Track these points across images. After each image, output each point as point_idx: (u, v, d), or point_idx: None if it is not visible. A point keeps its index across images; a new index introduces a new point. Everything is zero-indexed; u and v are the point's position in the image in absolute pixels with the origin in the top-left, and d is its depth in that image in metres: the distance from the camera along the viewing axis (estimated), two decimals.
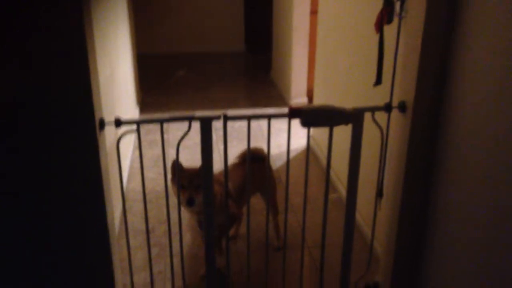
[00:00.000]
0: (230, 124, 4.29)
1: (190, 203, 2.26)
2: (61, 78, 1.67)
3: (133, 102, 4.32)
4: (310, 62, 4.69)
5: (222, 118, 1.93)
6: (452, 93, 1.85)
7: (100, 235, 1.90)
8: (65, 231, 1.86)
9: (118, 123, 1.86)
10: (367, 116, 2.03)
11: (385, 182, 2.23)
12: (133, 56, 4.47)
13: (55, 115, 1.71)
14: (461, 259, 1.83)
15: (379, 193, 2.24)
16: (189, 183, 2.26)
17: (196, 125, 1.94)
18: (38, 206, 1.80)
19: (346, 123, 2.02)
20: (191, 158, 3.66)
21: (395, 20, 2.18)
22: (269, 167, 2.44)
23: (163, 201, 3.13)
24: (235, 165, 2.66)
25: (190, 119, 1.91)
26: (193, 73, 5.97)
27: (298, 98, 4.80)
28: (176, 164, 2.09)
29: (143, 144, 3.98)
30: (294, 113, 1.95)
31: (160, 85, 5.48)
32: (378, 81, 2.21)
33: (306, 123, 1.97)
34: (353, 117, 2.01)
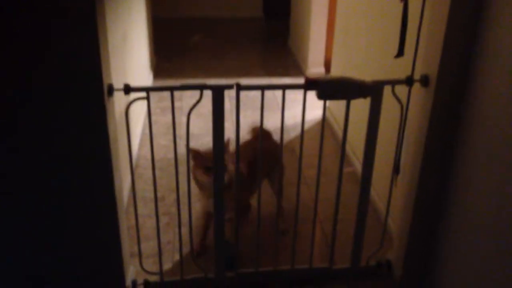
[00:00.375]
0: (244, 93, 4.21)
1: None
2: (67, 41, 1.60)
3: (147, 67, 4.25)
4: (328, 31, 4.55)
5: (235, 87, 1.85)
6: (479, 67, 1.75)
7: (107, 204, 1.86)
8: (72, 200, 1.82)
9: (127, 90, 1.80)
10: (387, 89, 1.94)
11: (402, 158, 2.15)
12: (147, 20, 4.37)
13: (61, 80, 1.65)
14: (480, 242, 1.76)
15: (396, 170, 2.17)
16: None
17: (209, 94, 1.87)
18: (45, 172, 1.76)
19: (365, 97, 1.93)
20: (204, 126, 3.60)
21: None
22: (280, 150, 2.36)
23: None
24: (247, 144, 2.57)
25: (202, 88, 1.83)
26: (209, 38, 5.85)
27: (315, 68, 4.68)
28: (187, 148, 2.00)
29: (156, 111, 3.92)
30: (310, 84, 1.87)
31: (175, 50, 5.39)
32: (400, 53, 2.10)
33: (322, 96, 1.89)
34: (372, 91, 1.92)
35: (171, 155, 3.30)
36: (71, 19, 1.57)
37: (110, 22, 2.56)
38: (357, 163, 3.06)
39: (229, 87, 1.85)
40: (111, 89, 1.77)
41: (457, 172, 1.91)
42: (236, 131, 1.94)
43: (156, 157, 3.23)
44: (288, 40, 5.62)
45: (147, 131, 3.57)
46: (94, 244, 1.93)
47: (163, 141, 3.44)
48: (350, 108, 1.96)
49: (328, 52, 4.61)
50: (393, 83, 1.94)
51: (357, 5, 3.20)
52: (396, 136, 2.08)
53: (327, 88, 1.88)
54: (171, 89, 1.84)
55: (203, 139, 3.42)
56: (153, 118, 3.77)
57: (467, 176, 1.85)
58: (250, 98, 4.18)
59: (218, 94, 1.85)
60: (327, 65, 4.60)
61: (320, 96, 1.89)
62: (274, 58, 5.26)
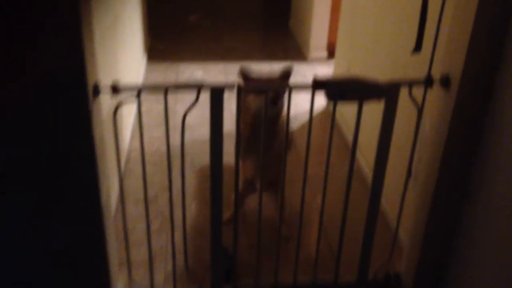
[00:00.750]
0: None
1: (274, 103, 2.06)
2: (45, 34, 1.40)
3: (140, 50, 4.02)
4: (333, 12, 4.32)
5: (235, 89, 1.66)
6: (508, 68, 1.56)
7: (93, 214, 1.69)
8: (54, 209, 1.65)
9: (116, 89, 1.60)
10: (402, 90, 1.75)
11: (415, 162, 1.98)
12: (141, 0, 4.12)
13: (38, 79, 1.45)
14: (500, 257, 1.60)
15: (409, 174, 2.00)
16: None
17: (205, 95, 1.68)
18: (26, 178, 1.58)
19: (379, 99, 1.75)
20: (201, 115, 3.40)
21: None
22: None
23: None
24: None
25: (199, 88, 1.64)
26: (207, 17, 5.60)
27: (317, 52, 4.46)
28: (182, 154, 1.82)
29: (149, 99, 3.71)
30: (318, 85, 1.68)
31: (171, 31, 5.14)
32: (418, 48, 1.90)
33: (332, 96, 1.70)
34: (387, 92, 1.73)
35: (165, 148, 3.11)
36: (47, 8, 1.37)
37: (100, 4, 2.35)
38: (363, 161, 2.89)
39: (230, 87, 1.65)
40: (97, 90, 1.57)
41: (477, 181, 1.75)
42: (237, 136, 1.75)
43: (149, 150, 3.05)
44: (289, 21, 5.38)
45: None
46: (79, 256, 1.76)
47: (156, 133, 3.25)
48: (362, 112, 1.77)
49: (331, 35, 4.39)
50: (411, 84, 1.76)
51: None
52: (408, 137, 1.91)
53: (337, 89, 1.69)
54: (165, 89, 1.64)
55: (198, 131, 3.23)
56: (146, 106, 3.57)
57: (488, 186, 1.68)
58: None
59: (217, 96, 1.66)
60: (330, 49, 4.38)
61: (329, 97, 1.70)
62: (274, 41, 5.03)
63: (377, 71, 2.73)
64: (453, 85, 1.69)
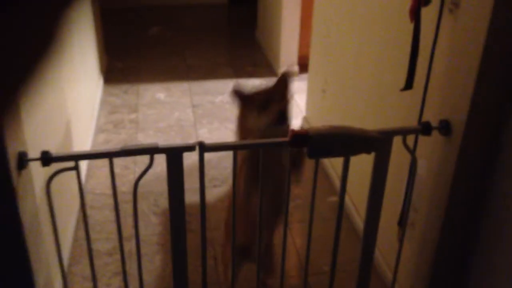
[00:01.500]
0: (210, 99, 3.72)
1: (281, 120, 1.65)
2: None
3: (96, 71, 3.67)
4: (303, 23, 4.05)
5: (197, 148, 1.36)
6: None
7: None
8: None
9: (47, 160, 1.28)
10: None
11: (411, 211, 1.73)
12: (94, 13, 3.76)
13: None
14: None
15: (402, 222, 1.76)
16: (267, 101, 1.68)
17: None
18: None
19: (369, 152, 1.48)
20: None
21: (434, 0, 1.61)
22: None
23: (130, 206, 2.60)
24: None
25: (152, 151, 1.34)
26: (169, 30, 5.26)
27: (288, 67, 4.19)
28: (135, 221, 1.50)
29: (106, 126, 3.37)
30: (297, 140, 1.40)
31: (130, 47, 4.77)
32: (408, 85, 1.65)
33: (314, 153, 1.42)
34: (379, 144, 1.47)
35: (126, 187, 2.80)
36: None
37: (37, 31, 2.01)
38: (349, 203, 2.62)
39: (190, 149, 1.36)
40: (22, 160, 1.26)
41: (486, 231, 1.51)
42: (201, 199, 1.45)
43: (106, 190, 2.73)
44: (256, 30, 5.09)
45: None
46: None
47: (115, 168, 2.90)
48: (349, 167, 1.50)
49: (302, 47, 4.13)
50: (405, 132, 1.49)
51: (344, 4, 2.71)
52: (396, 181, 1.66)
53: (320, 144, 1.41)
54: (110, 156, 1.33)
55: (165, 162, 2.91)
56: (104, 136, 3.24)
57: (496, 236, 1.44)
58: (216, 106, 3.68)
59: (174, 159, 1.36)
60: (302, 62, 4.11)
61: (312, 154, 1.42)
62: (241, 54, 4.73)
63: (358, 92, 2.47)
64: (455, 133, 1.44)
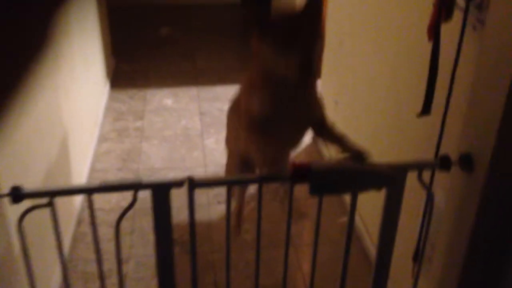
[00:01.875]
0: (219, 106, 3.58)
1: (306, 71, 1.20)
2: None
3: (101, 76, 3.55)
4: None
5: (187, 184, 1.22)
6: None
7: None
8: None
9: (18, 196, 1.15)
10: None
11: (427, 247, 1.57)
12: (100, 13, 3.62)
13: None
14: None
15: (417, 257, 1.60)
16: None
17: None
18: None
19: (379, 188, 1.32)
20: (169, 155, 2.97)
21: (456, 16, 1.45)
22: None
23: (127, 222, 2.48)
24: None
25: (136, 187, 1.20)
26: (179, 30, 5.12)
27: None
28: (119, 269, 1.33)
29: (109, 135, 3.25)
30: (298, 174, 1.25)
31: (139, 47, 4.64)
32: (426, 110, 1.49)
33: (317, 190, 1.27)
34: (390, 180, 1.31)
35: (125, 202, 2.65)
36: None
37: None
38: (361, 227, 2.46)
39: (178, 184, 1.21)
40: None
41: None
42: (192, 246, 1.30)
43: (106, 206, 2.60)
44: None
45: (99, 165, 2.91)
46: None
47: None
48: (356, 204, 1.34)
49: None
50: (421, 166, 1.33)
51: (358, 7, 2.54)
52: (409, 213, 1.51)
53: (324, 180, 1.26)
54: (89, 192, 1.20)
55: (168, 174, 2.79)
56: (107, 145, 3.12)
57: None
58: (224, 112, 3.52)
59: (161, 196, 1.22)
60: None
61: (314, 190, 1.27)
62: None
63: (371, 107, 2.31)
64: (478, 168, 1.27)
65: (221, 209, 2.61)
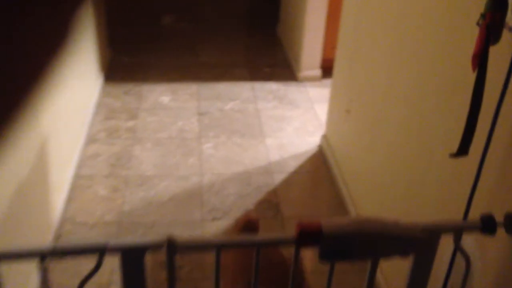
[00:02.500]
0: (219, 105, 3.32)
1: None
2: None
3: (93, 70, 3.28)
4: (329, 22, 3.60)
5: (165, 247, 0.97)
6: None
7: None
8: None
9: None
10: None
11: None
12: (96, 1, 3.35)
13: None
14: None
15: None
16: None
17: None
18: None
19: (405, 255, 1.07)
20: (163, 161, 2.72)
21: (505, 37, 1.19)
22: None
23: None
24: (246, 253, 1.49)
25: (101, 251, 0.95)
26: (182, 20, 4.83)
27: (310, 71, 3.76)
28: None
29: (99, 135, 2.99)
30: (306, 238, 1.00)
31: (138, 40, 4.35)
32: (463, 150, 1.23)
33: (328, 256, 1.02)
34: (418, 245, 1.06)
35: (112, 215, 2.42)
36: None
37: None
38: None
39: (154, 247, 0.96)
40: None
41: None
42: None
43: (89, 219, 2.36)
44: (277, 26, 4.63)
45: (84, 171, 2.66)
46: None
47: (102, 190, 2.54)
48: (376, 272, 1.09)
49: (327, 50, 3.69)
50: (458, 230, 1.08)
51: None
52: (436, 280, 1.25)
53: (337, 245, 1.01)
54: (41, 255, 0.95)
55: (160, 184, 2.55)
56: (95, 147, 2.87)
57: None
58: (227, 114, 3.27)
59: (132, 261, 0.97)
60: (325, 66, 3.68)
61: (324, 255, 1.02)
62: (259, 52, 4.29)
63: (388, 119, 2.05)
64: None
65: (216, 226, 2.37)
